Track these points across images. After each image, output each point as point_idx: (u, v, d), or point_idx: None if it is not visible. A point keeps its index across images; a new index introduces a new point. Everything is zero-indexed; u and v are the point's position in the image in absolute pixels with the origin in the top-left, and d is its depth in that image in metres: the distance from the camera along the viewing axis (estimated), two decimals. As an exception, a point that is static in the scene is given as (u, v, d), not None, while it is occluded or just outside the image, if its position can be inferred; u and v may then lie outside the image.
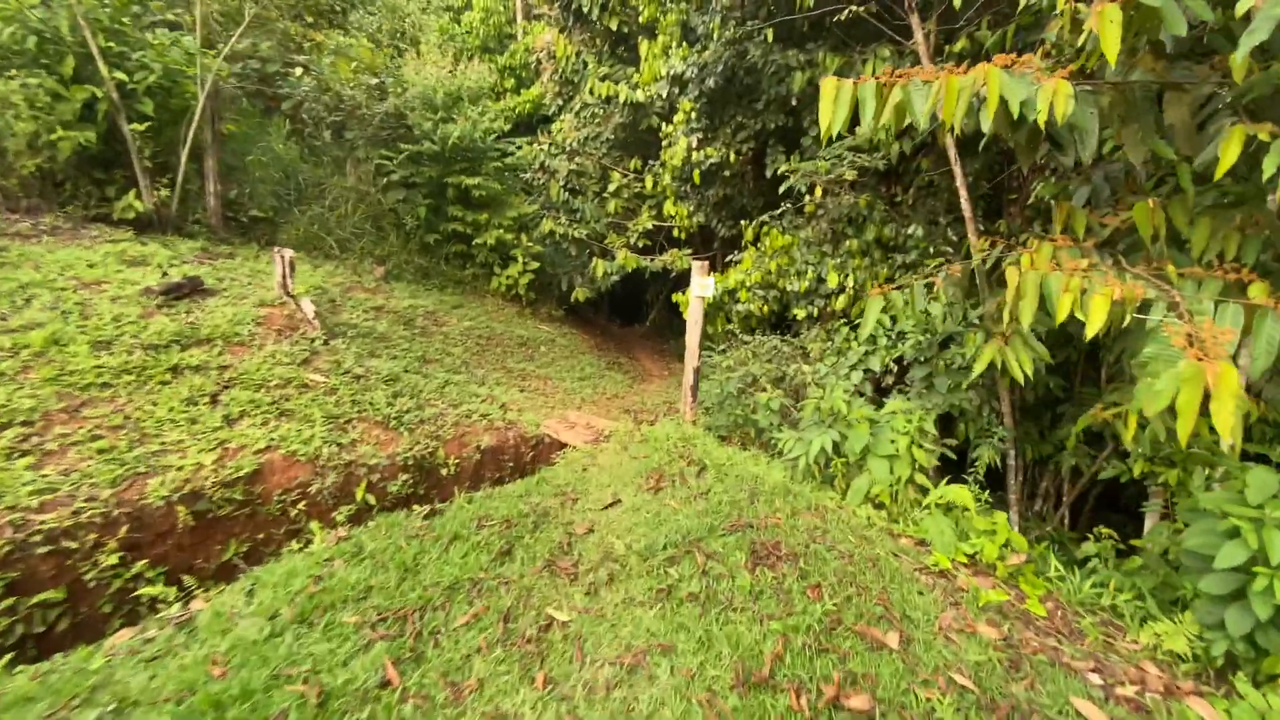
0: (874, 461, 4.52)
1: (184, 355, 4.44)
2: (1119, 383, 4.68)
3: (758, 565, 3.42)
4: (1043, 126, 3.07)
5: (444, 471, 4.77)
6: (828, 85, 3.80)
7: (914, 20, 6.18)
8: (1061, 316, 3.11)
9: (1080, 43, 4.10)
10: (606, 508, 4.06)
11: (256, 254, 7.25)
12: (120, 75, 6.60)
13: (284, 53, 9.66)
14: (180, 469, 3.59)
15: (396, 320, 6.87)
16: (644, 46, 9.90)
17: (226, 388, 4.34)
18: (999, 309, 4.31)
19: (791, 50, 8.47)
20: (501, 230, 9.70)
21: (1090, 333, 2.86)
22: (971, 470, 4.99)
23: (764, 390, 6.54)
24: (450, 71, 10.39)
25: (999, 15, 7.17)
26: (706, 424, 6.24)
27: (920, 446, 4.53)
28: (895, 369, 6.44)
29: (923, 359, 5.29)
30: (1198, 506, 3.21)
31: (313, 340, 5.26)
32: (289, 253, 5.46)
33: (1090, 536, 4.69)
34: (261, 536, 3.74)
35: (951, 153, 6.40)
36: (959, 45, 6.83)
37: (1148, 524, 5.39)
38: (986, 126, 3.72)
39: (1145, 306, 2.84)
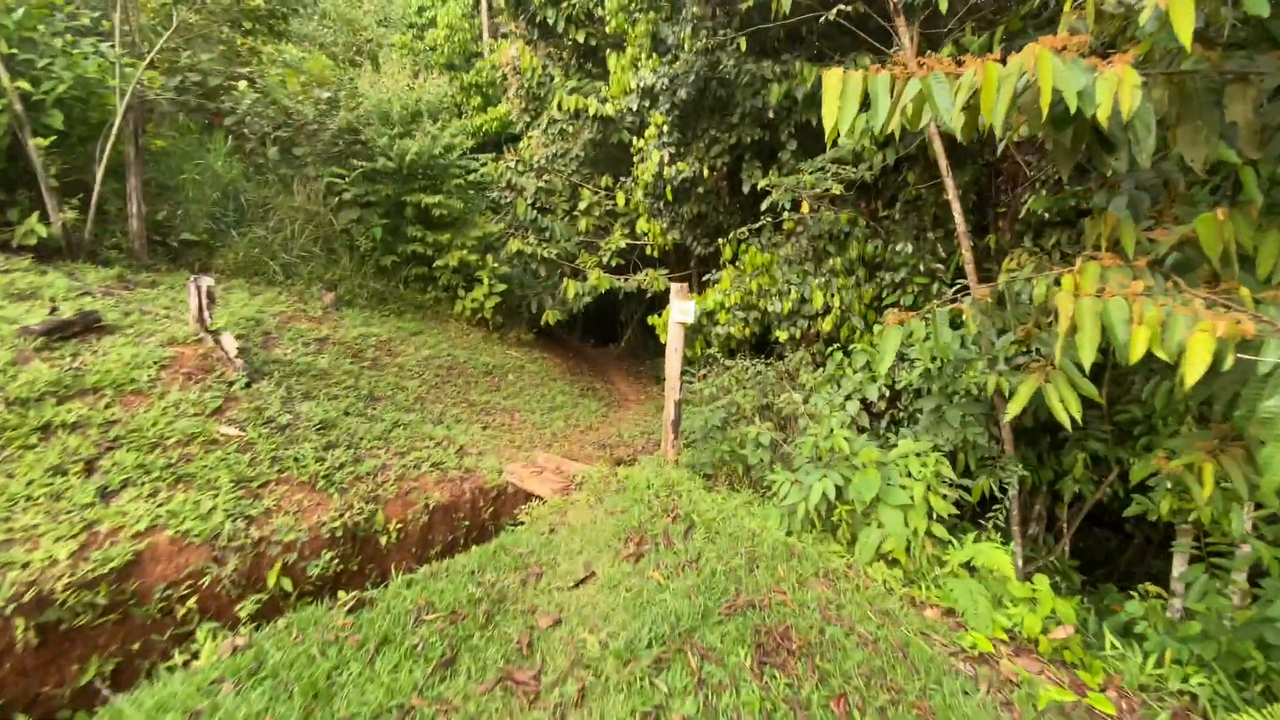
0: (886, 512, 3.83)
1: (59, 410, 3.56)
2: (1167, 424, 4.04)
3: (765, 664, 2.68)
4: (1104, 122, 2.43)
5: (383, 540, 3.95)
6: (832, 79, 3.13)
7: (900, 23, 5.61)
8: (1136, 355, 2.46)
9: (1113, 32, 3.53)
10: (577, 585, 3.29)
11: (185, 282, 6.36)
12: (24, 85, 5.70)
13: (228, 65, 8.79)
14: (26, 566, 2.73)
15: (343, 353, 6.01)
16: (612, 60, 9.27)
17: (109, 450, 3.48)
18: (1029, 337, 3.68)
19: (766, 61, 7.90)
20: (465, 251, 8.90)
21: (1191, 379, 2.20)
22: (991, 515, 4.34)
23: (751, 422, 5.84)
24: (409, 85, 9.61)
25: (982, 21, 6.68)
26: (690, 461, 5.51)
27: (937, 493, 3.85)
28: (887, 394, 5.81)
29: (931, 388, 4.64)
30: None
31: (231, 384, 4.40)
32: (206, 280, 4.61)
33: (1114, 588, 4.07)
34: (137, 646, 2.88)
35: (942, 163, 5.84)
36: (945, 50, 6.29)
37: (1177, 566, 4.80)
38: (1023, 127, 3.07)
39: (1249, 344, 2.20)
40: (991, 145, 7.11)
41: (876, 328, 5.93)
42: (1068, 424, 2.99)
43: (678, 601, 3.05)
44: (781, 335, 7.45)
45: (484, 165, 9.90)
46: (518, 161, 10.74)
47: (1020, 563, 5.41)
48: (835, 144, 6.68)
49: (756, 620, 2.97)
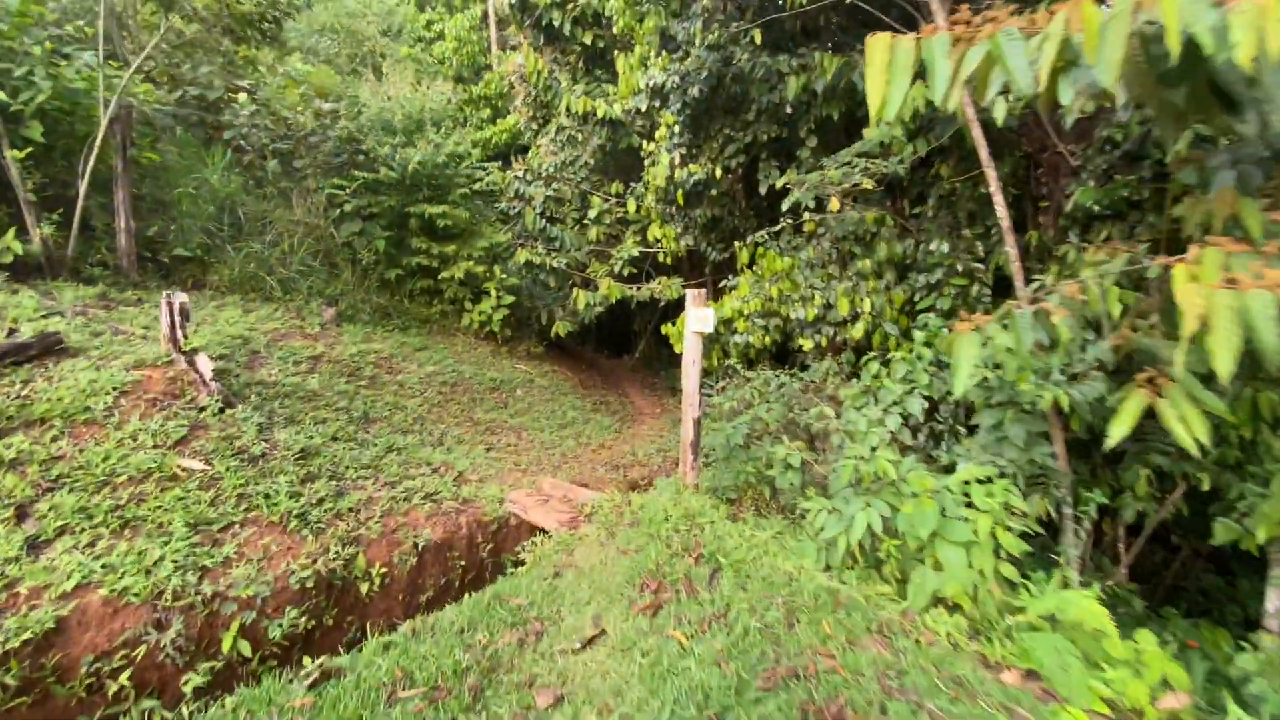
0: (945, 550, 3.23)
1: (-2, 445, 3.09)
2: None
3: (818, 761, 2.09)
4: (1247, 64, 1.84)
5: (364, 588, 3.41)
6: (878, 46, 2.59)
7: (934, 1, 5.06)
8: None
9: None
10: (584, 646, 2.72)
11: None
12: (0, 95, 5.34)
13: (228, 78, 8.46)
14: (-83, 642, 2.25)
15: (337, 372, 5.54)
16: (620, 61, 8.80)
17: (48, 491, 3.00)
18: (1125, 342, 3.07)
19: (782, 55, 7.37)
20: (472, 263, 8.44)
21: None
22: (1061, 548, 3.71)
23: (777, 440, 5.26)
24: (411, 92, 9.21)
25: None
26: (710, 484, 4.94)
27: (1005, 528, 3.24)
28: (926, 406, 5.20)
29: (992, 402, 4.03)
30: None
31: (202, 409, 3.92)
32: (180, 297, 4.15)
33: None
34: (56, 735, 2.38)
35: (983, 152, 5.25)
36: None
37: (1272, 600, 4.13)
38: (1082, 102, 2.49)
39: None
40: (1030, 134, 6.50)
41: (920, 334, 5.32)
42: (1193, 448, 2.38)
43: (705, 671, 2.47)
44: (805, 344, 6.85)
45: (490, 174, 9.46)
46: (526, 170, 10.29)
47: (1075, 562, 4.76)
48: (866, 132, 6.10)
49: (803, 695, 2.39)
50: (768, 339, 7.13)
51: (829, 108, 7.14)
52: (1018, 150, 6.43)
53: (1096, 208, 5.71)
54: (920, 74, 2.64)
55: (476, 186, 9.14)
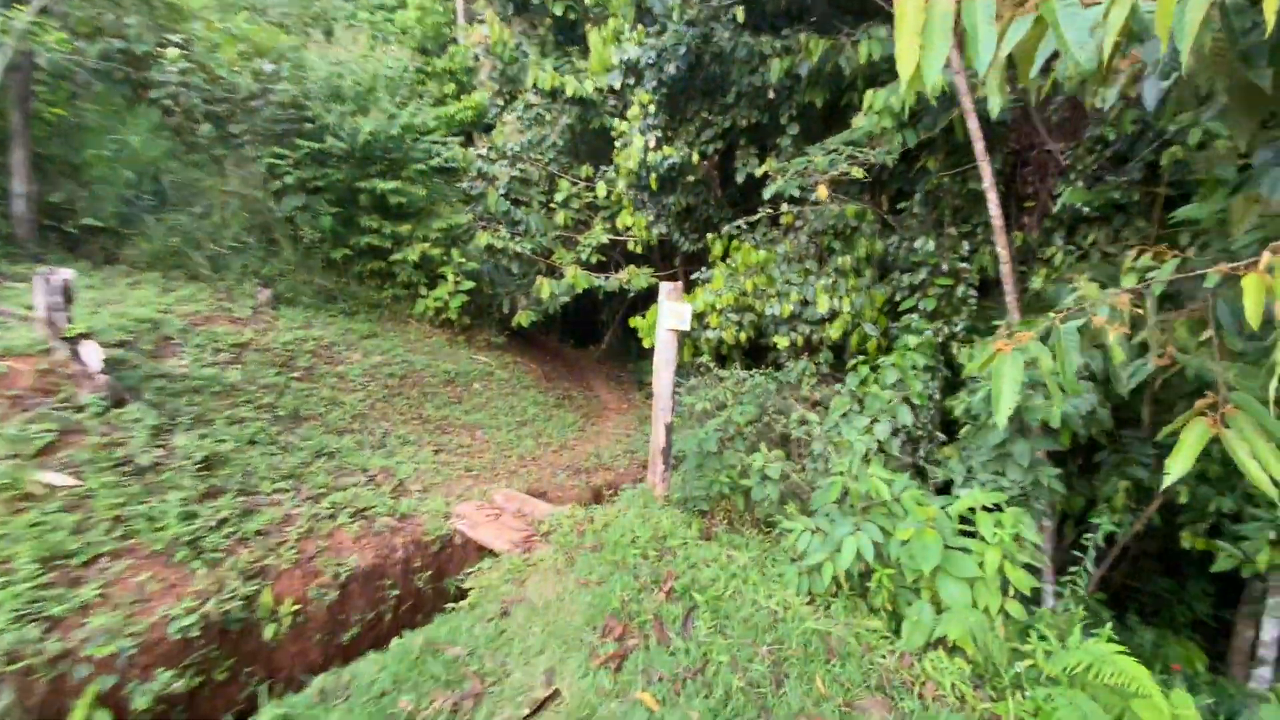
0: (948, 586, 2.81)
1: None
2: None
3: None
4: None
5: (270, 631, 2.81)
6: (909, 4, 2.08)
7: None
8: None
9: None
10: (533, 714, 2.21)
11: (87, 274, 5.15)
12: None
13: (159, 32, 7.52)
14: None
15: (266, 362, 4.85)
16: (593, 34, 8.17)
17: None
18: (1172, 362, 2.67)
19: (765, 35, 6.87)
20: (428, 244, 7.75)
21: None
22: (1068, 578, 3.36)
23: (753, 446, 4.82)
24: (364, 55, 8.39)
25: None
26: (682, 494, 4.46)
27: (1015, 563, 2.84)
28: (927, 419, 4.85)
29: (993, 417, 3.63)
30: None
31: (81, 409, 3.24)
32: (65, 274, 3.44)
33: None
34: None
35: (978, 145, 4.86)
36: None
37: (1269, 630, 3.89)
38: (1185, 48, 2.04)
39: None
40: (1019, 131, 6.17)
41: (912, 339, 4.93)
42: (1271, 491, 1.97)
43: (680, 752, 1.99)
44: (780, 341, 6.42)
45: (450, 150, 8.73)
46: (490, 148, 9.57)
47: (1051, 601, 4.50)
48: (855, 120, 5.66)
49: (797, 784, 1.93)
50: (741, 335, 6.68)
51: (812, 94, 6.69)
52: (1005, 147, 6.10)
53: (1085, 209, 5.42)
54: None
55: (435, 163, 8.41)
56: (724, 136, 7.42)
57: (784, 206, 6.54)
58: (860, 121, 5.72)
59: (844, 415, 4.81)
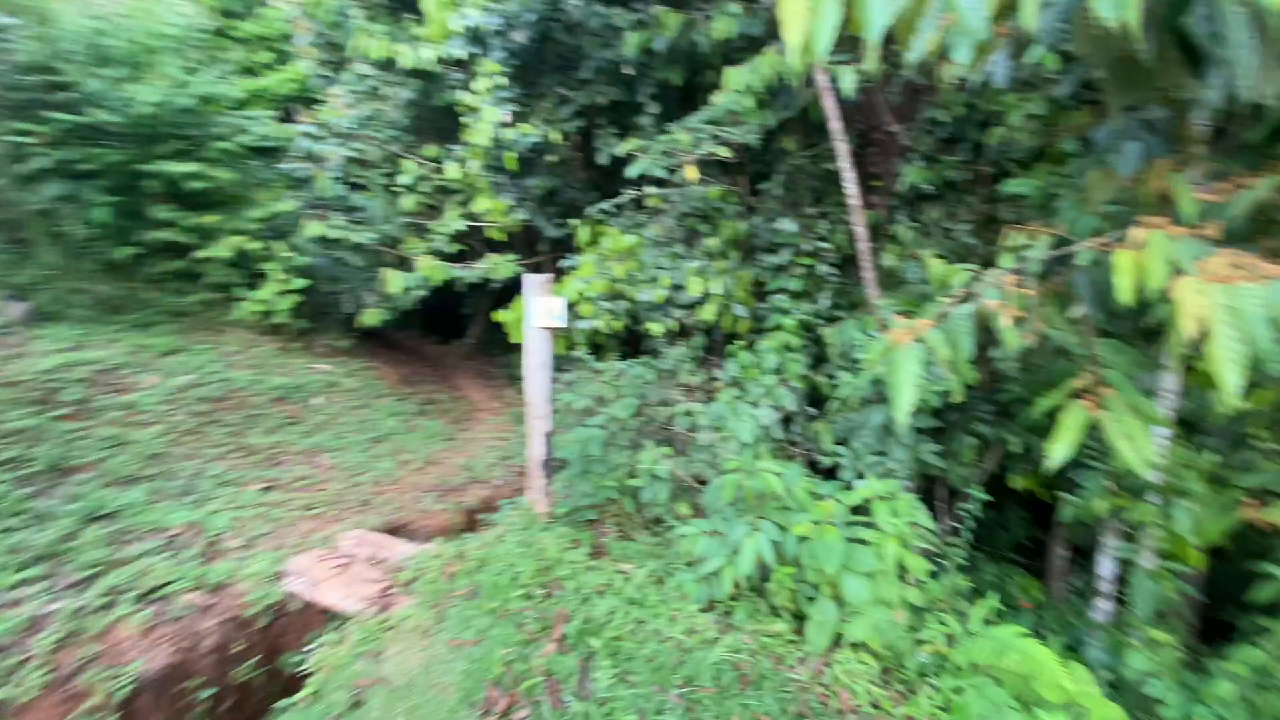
0: (851, 583, 2.66)
1: None
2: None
3: None
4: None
5: (2, 801, 2.00)
6: None
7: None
8: None
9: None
10: None
11: None
12: None
13: None
14: None
15: (11, 401, 3.65)
16: (428, -4, 7.22)
17: None
18: (1041, 346, 2.64)
19: (617, 7, 6.45)
20: (245, 237, 6.48)
21: None
22: (953, 543, 3.39)
23: (638, 445, 4.50)
24: (136, 8, 6.76)
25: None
26: (567, 506, 4.03)
27: (911, 550, 2.76)
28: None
29: (875, 397, 3.59)
30: None
31: None
32: None
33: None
34: None
35: (835, 124, 4.85)
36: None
37: (1104, 566, 4.24)
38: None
39: None
40: (865, 112, 6.34)
41: (787, 321, 4.83)
42: (1142, 469, 1.95)
43: None
44: (655, 328, 6.14)
45: (264, 126, 7.38)
46: (319, 125, 8.26)
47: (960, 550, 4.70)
48: (714, 98, 5.43)
49: None
50: (616, 324, 6.32)
51: (670, 72, 6.40)
52: (853, 128, 6.24)
53: (925, 188, 5.67)
54: None
55: (247, 141, 7.06)
56: (583, 114, 6.93)
57: (648, 189, 6.23)
58: (721, 99, 5.52)
59: (728, 403, 4.64)
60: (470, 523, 4.18)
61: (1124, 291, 1.92)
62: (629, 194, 6.24)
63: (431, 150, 8.24)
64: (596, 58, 6.46)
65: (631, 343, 7.02)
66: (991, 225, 5.40)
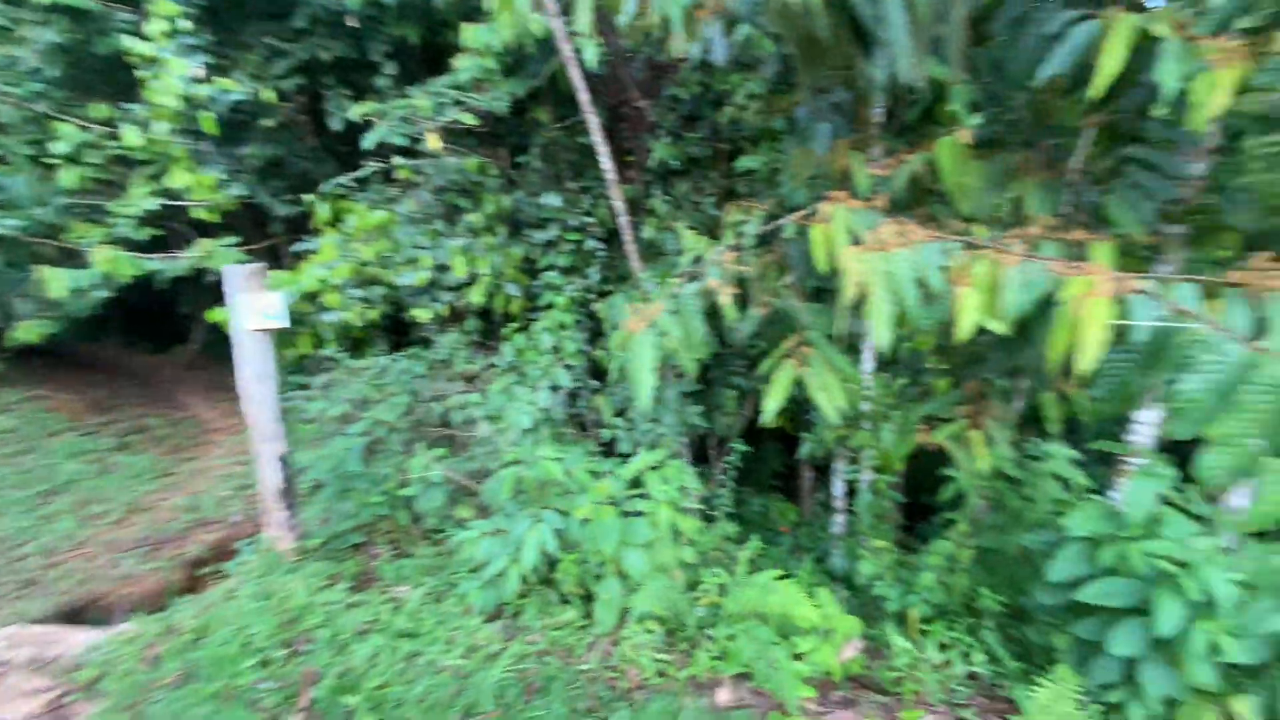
0: (631, 557, 2.66)
1: None
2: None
3: None
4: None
5: None
6: None
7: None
8: (965, 331, 1.66)
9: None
10: None
11: None
12: None
13: None
14: None
15: None
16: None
17: None
18: (770, 311, 2.81)
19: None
20: None
21: (1090, 359, 1.43)
22: (715, 498, 3.61)
23: (409, 449, 4.03)
24: None
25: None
26: (322, 536, 3.45)
27: (682, 513, 2.84)
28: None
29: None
30: (1067, 534, 2.28)
31: None
32: None
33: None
34: None
35: (583, 96, 4.72)
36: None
37: (837, 487, 4.93)
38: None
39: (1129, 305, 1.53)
40: (614, 86, 6.35)
41: (559, 299, 4.67)
42: (835, 417, 2.19)
43: None
44: (421, 314, 5.57)
45: None
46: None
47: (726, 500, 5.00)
48: (455, 61, 4.95)
49: None
50: (374, 313, 5.57)
51: (404, 28, 5.68)
52: (604, 102, 6.23)
53: (673, 163, 5.91)
54: None
55: None
56: (305, 71, 5.85)
57: (397, 160, 5.52)
58: (464, 62, 5.04)
59: (504, 390, 4.38)
60: (193, 581, 3.35)
61: (819, 260, 2.09)
62: (374, 165, 5.48)
63: (101, 110, 6.30)
64: (314, 4, 5.45)
65: (399, 332, 6.31)
66: (732, 198, 5.81)
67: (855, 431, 3.77)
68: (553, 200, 5.37)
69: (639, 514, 2.78)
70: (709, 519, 3.64)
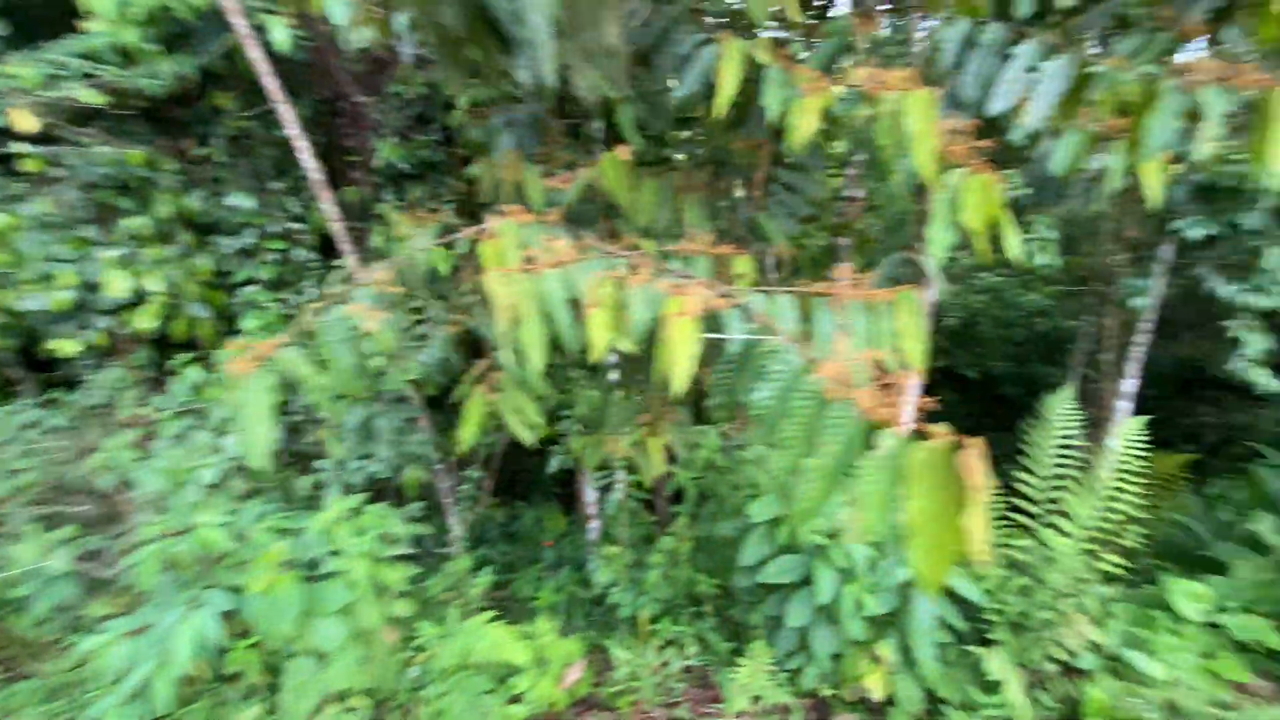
0: (322, 629, 2.23)
1: None
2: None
3: None
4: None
5: None
6: None
7: None
8: (599, 350, 1.62)
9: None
10: None
11: None
12: None
13: None
14: None
15: None
16: None
17: None
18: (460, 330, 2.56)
19: None
20: None
21: (682, 381, 1.44)
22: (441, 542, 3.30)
23: (27, 523, 2.99)
24: None
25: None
26: None
27: (386, 561, 2.48)
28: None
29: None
30: (749, 519, 2.47)
31: None
32: None
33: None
34: None
35: (271, 84, 4.00)
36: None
37: (589, 493, 4.93)
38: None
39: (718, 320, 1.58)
40: (326, 77, 5.56)
41: (254, 319, 3.88)
42: (528, 439, 2.07)
43: None
44: (66, 347, 4.27)
45: None
46: None
47: (460, 532, 4.62)
48: (86, 25, 3.83)
49: None
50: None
51: (4, -24, 4.22)
52: (312, 94, 5.41)
53: (405, 166, 5.39)
54: None
55: None
56: None
57: (23, 146, 4.09)
58: (97, 27, 3.92)
59: (177, 438, 3.50)
60: None
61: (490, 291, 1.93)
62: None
63: None
64: None
65: (41, 368, 4.75)
66: (469, 206, 5.45)
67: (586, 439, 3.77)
68: (242, 202, 4.48)
69: (332, 574, 2.36)
70: (443, 557, 3.32)
